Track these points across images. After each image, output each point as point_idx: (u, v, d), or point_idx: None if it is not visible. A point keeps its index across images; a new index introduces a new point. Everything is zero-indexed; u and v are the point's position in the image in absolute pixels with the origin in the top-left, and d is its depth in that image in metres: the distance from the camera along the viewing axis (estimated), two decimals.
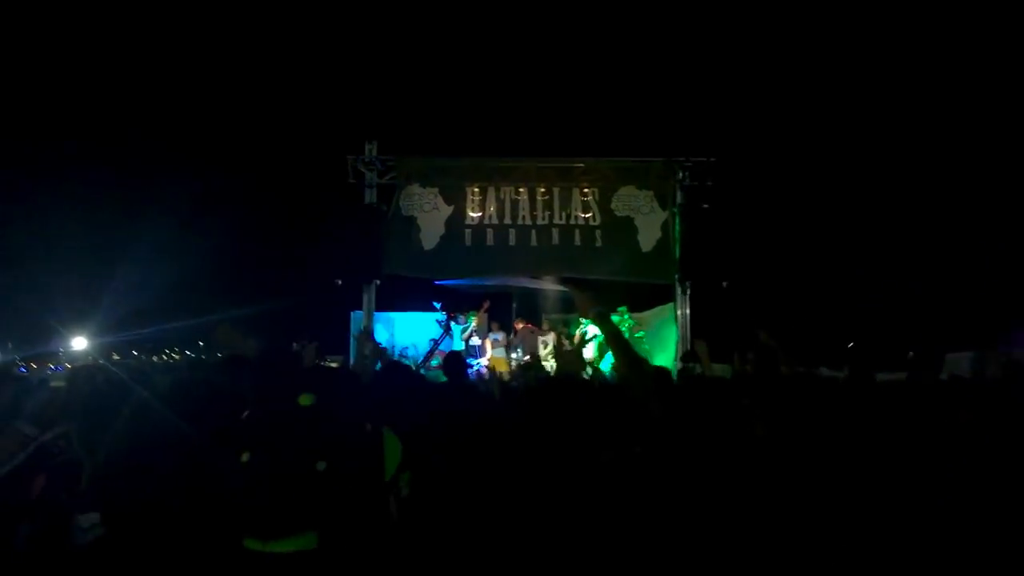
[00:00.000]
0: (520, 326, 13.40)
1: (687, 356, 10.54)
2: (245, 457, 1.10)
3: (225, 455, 1.11)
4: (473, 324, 13.08)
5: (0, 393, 3.41)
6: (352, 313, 13.34)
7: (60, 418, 3.32)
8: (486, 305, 13.25)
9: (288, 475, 1.08)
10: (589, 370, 10.52)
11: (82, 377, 3.82)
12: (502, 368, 12.94)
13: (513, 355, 13.07)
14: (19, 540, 1.81)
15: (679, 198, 12.56)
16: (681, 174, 12.57)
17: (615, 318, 12.72)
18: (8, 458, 2.80)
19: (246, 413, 1.14)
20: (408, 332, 13.71)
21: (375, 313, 12.89)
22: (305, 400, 1.14)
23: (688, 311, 12.58)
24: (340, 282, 12.44)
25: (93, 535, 1.89)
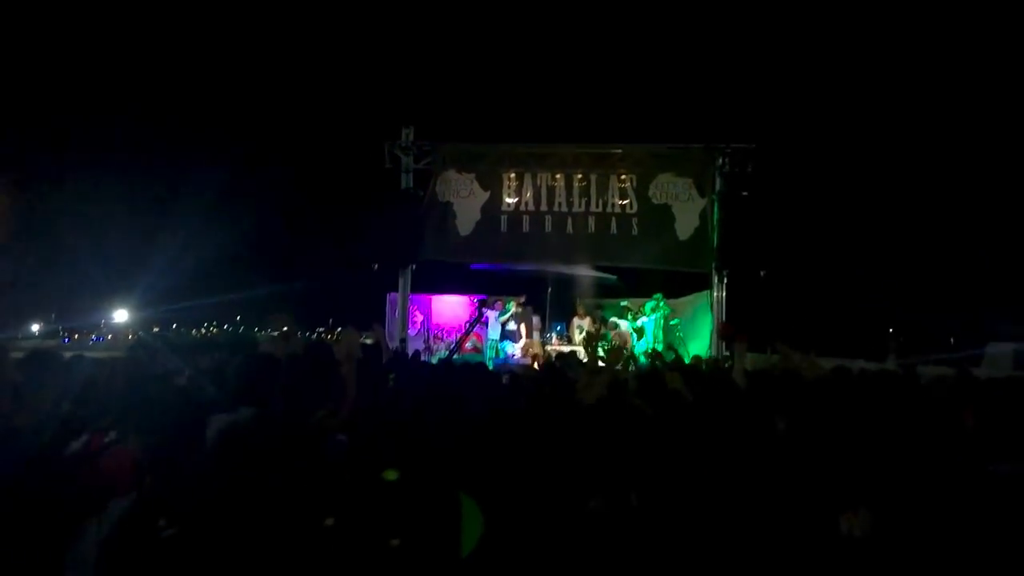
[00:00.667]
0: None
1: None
2: (330, 522, 1.13)
3: (307, 516, 1.14)
4: (512, 310, 13.13)
5: (44, 376, 3.45)
6: (388, 295, 13.47)
7: (104, 403, 3.41)
8: (522, 299, 13.28)
9: (362, 547, 1.12)
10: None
11: (127, 364, 3.89)
12: (537, 351, 13.00)
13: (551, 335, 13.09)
14: (87, 542, 1.86)
15: (718, 185, 12.38)
16: (721, 160, 12.38)
17: (650, 304, 12.73)
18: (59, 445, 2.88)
19: (336, 479, 1.17)
20: (443, 315, 13.79)
21: (411, 296, 13.00)
22: (390, 476, 1.17)
23: (724, 299, 12.46)
24: (376, 266, 12.56)
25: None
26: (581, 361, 6.99)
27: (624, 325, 12.71)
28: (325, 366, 3.11)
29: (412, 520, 1.15)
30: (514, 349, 12.84)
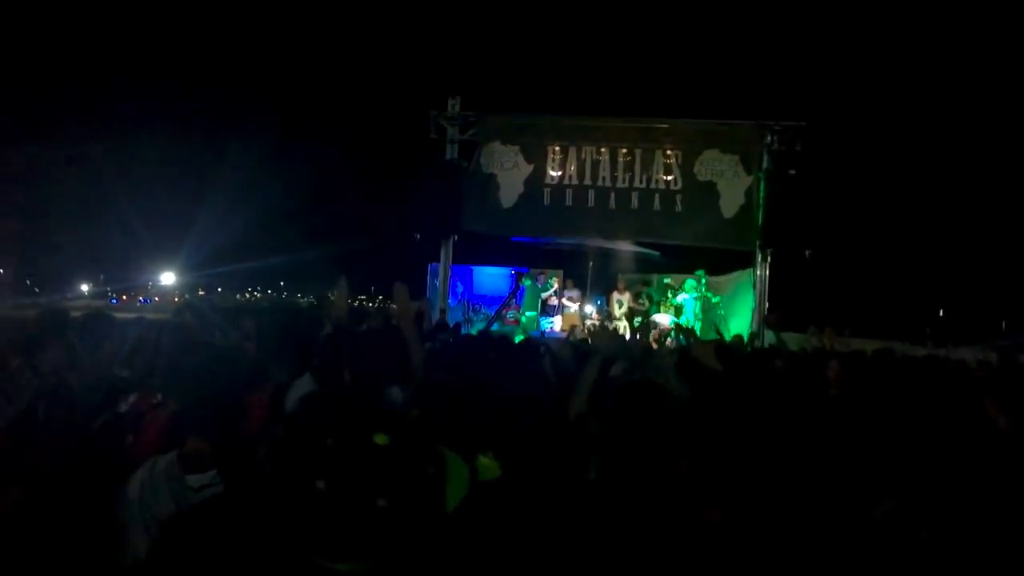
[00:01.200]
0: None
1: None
2: (321, 485, 1.24)
3: (302, 480, 1.26)
4: (554, 286, 13.21)
5: (101, 335, 3.54)
6: (429, 265, 13.62)
7: (152, 365, 3.53)
8: (560, 277, 13.37)
9: (352, 508, 1.23)
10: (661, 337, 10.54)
11: (174, 327, 4.01)
12: (575, 323, 13.09)
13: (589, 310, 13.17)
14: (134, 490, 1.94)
15: (765, 163, 12.20)
16: (769, 138, 12.19)
17: (691, 282, 12.69)
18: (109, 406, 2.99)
19: (329, 442, 1.28)
20: (484, 286, 13.92)
21: (452, 266, 13.14)
22: (380, 440, 1.27)
23: (767, 277, 12.35)
24: (419, 236, 12.69)
25: (204, 495, 1.98)
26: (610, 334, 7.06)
27: (665, 320, 12.67)
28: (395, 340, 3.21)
29: (400, 481, 1.25)
30: (551, 323, 12.95)
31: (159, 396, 2.99)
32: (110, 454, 2.60)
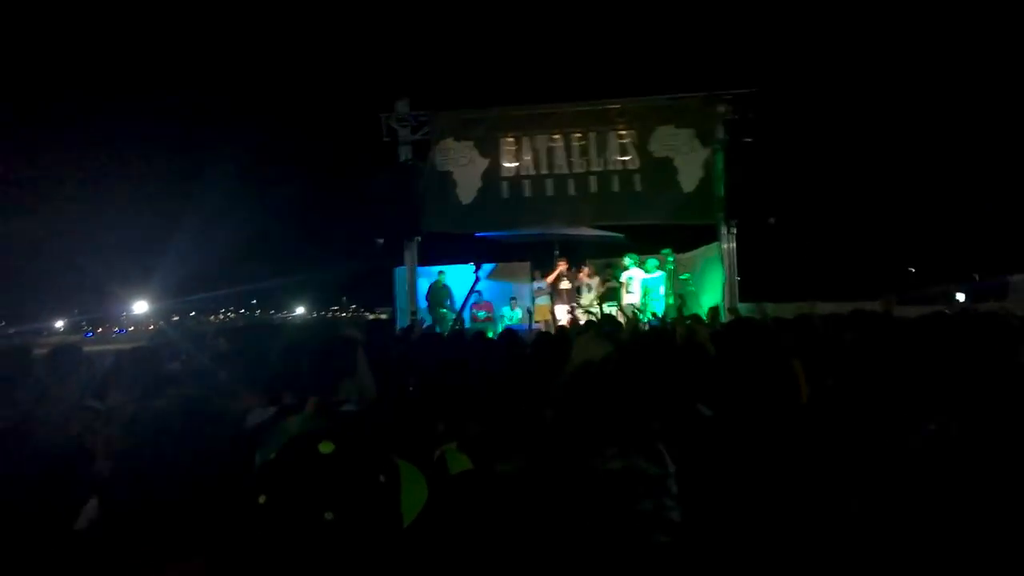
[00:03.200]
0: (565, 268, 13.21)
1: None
2: (262, 499, 1.12)
3: (245, 495, 1.14)
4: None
5: (68, 368, 3.55)
6: (396, 269, 13.46)
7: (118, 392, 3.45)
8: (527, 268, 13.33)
9: (297, 522, 1.11)
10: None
11: (140, 355, 3.94)
12: (546, 316, 12.98)
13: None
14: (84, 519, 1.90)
15: (720, 133, 12.16)
16: (722, 108, 12.14)
17: (653, 261, 12.62)
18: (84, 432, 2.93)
19: (272, 456, 1.17)
20: (453, 285, 13.78)
21: (418, 268, 12.98)
22: (325, 448, 1.15)
23: (735, 249, 12.32)
24: (381, 241, 12.52)
25: None
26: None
27: (638, 276, 12.58)
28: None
29: (347, 491, 1.13)
30: (516, 315, 12.84)
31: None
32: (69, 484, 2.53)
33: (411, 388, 3.12)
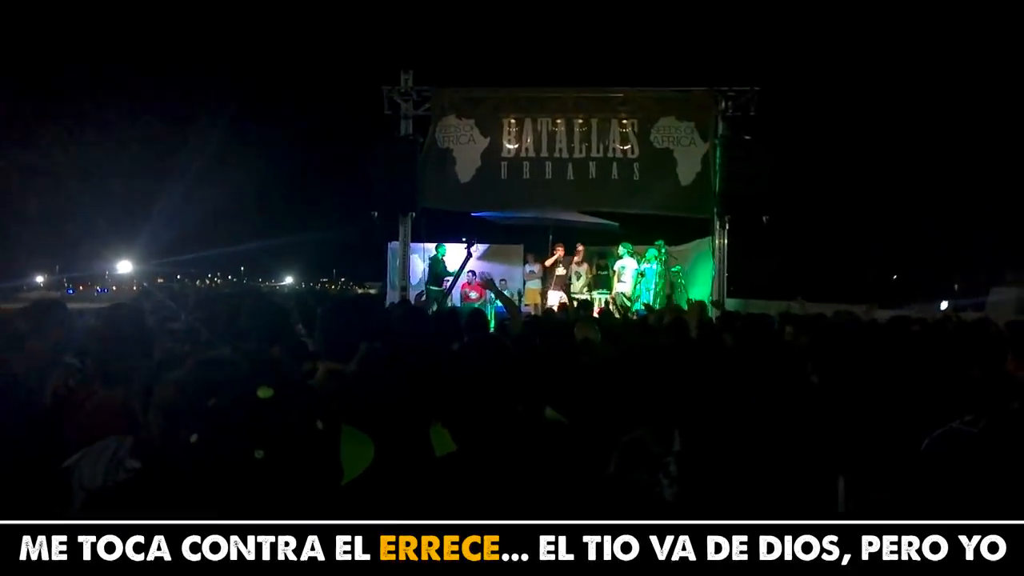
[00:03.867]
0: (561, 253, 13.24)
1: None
2: (193, 438, 1.19)
3: (176, 434, 1.21)
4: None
5: (47, 322, 3.51)
6: (388, 244, 13.45)
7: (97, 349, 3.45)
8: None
9: (227, 461, 1.18)
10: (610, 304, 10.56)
11: (122, 313, 3.93)
12: (536, 300, 13.05)
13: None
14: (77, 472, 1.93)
15: (720, 129, 12.22)
16: (723, 104, 12.19)
17: (652, 251, 12.71)
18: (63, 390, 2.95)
19: (212, 402, 1.23)
20: (451, 263, 13.79)
21: (412, 244, 12.97)
22: (264, 393, 1.21)
23: (727, 245, 12.42)
24: (376, 214, 12.49)
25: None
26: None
27: (631, 266, 12.67)
28: None
29: (281, 434, 1.20)
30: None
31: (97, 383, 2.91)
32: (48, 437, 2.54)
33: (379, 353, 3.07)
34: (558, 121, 12.32)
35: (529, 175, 12.37)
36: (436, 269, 12.80)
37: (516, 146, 12.38)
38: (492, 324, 7.46)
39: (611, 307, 10.44)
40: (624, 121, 12.27)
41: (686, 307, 7.98)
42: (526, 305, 12.65)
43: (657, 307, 9.73)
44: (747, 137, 12.01)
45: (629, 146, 12.27)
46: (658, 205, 12.36)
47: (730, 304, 12.03)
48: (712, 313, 7.62)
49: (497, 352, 2.32)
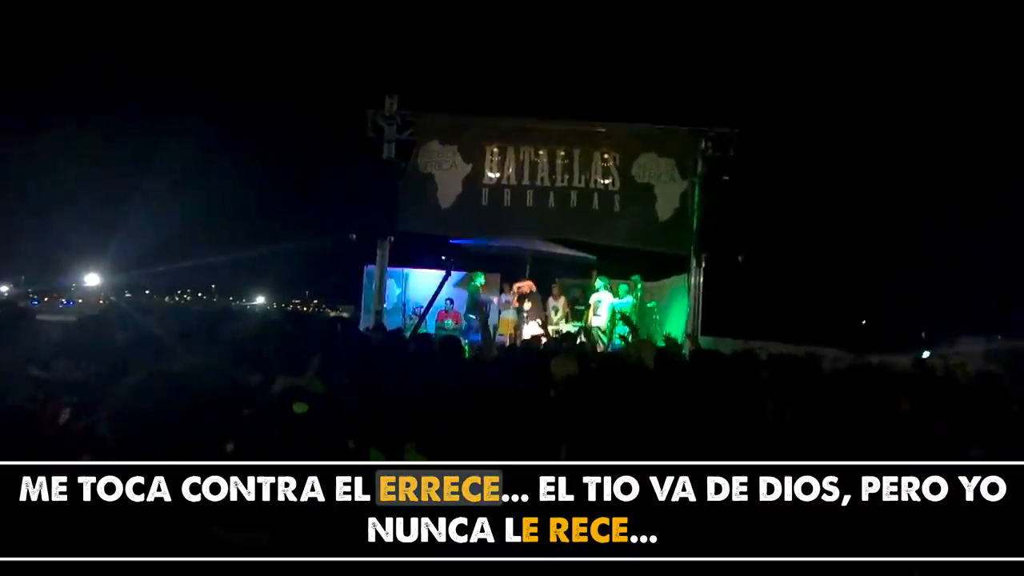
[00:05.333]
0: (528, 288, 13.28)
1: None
2: (229, 448, 1.15)
3: (211, 443, 1.16)
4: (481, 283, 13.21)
5: (11, 335, 3.40)
6: (365, 267, 13.36)
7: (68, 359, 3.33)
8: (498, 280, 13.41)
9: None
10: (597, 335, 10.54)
11: (94, 323, 3.82)
12: (510, 331, 13.02)
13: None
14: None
15: (700, 168, 12.38)
16: (704, 144, 12.38)
17: (624, 287, 12.78)
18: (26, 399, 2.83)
19: (247, 411, 1.20)
20: (421, 289, 13.74)
21: (388, 269, 12.89)
22: (299, 408, 1.18)
23: (702, 283, 12.51)
24: (354, 236, 12.40)
25: None
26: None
27: (607, 299, 12.72)
28: None
29: (318, 447, 1.17)
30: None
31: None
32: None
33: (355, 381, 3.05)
34: (540, 152, 12.40)
35: (510, 203, 12.40)
36: (476, 297, 12.88)
37: (498, 174, 12.43)
38: (467, 352, 7.40)
39: (583, 339, 10.44)
40: (606, 155, 12.39)
41: (663, 343, 8.00)
42: (500, 335, 12.60)
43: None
44: (725, 177, 12.18)
45: (610, 179, 12.37)
46: (636, 238, 12.45)
47: (703, 342, 12.11)
48: (687, 348, 7.63)
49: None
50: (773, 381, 4.17)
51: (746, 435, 2.86)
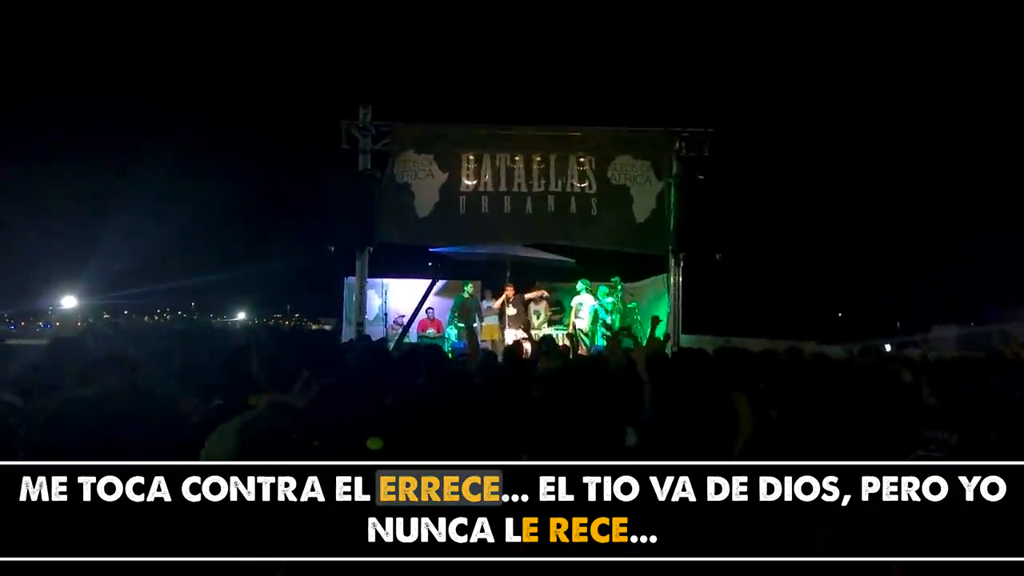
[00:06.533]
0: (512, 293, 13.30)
1: None
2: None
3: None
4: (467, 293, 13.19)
5: None
6: (345, 279, 13.32)
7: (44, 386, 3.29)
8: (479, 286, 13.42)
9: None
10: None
11: (69, 345, 3.77)
12: (493, 336, 13.02)
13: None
14: None
15: (675, 168, 12.49)
16: (678, 144, 12.49)
17: (604, 288, 12.85)
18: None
19: (316, 443, 1.21)
20: (403, 299, 13.72)
21: (368, 279, 12.86)
22: (374, 444, 1.19)
23: (681, 282, 12.61)
24: (333, 248, 12.35)
25: None
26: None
27: (588, 302, 12.78)
28: None
29: None
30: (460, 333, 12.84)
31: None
32: None
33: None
34: (517, 158, 12.45)
35: (488, 209, 12.43)
36: (466, 305, 12.86)
37: (475, 182, 12.45)
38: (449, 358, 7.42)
39: (566, 342, 10.47)
40: (582, 159, 12.46)
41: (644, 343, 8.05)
42: (483, 341, 12.59)
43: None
44: (700, 177, 12.29)
45: (587, 183, 12.45)
46: (615, 240, 12.54)
47: (684, 340, 12.22)
48: (669, 348, 7.70)
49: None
50: (752, 375, 4.22)
51: (727, 429, 2.90)
